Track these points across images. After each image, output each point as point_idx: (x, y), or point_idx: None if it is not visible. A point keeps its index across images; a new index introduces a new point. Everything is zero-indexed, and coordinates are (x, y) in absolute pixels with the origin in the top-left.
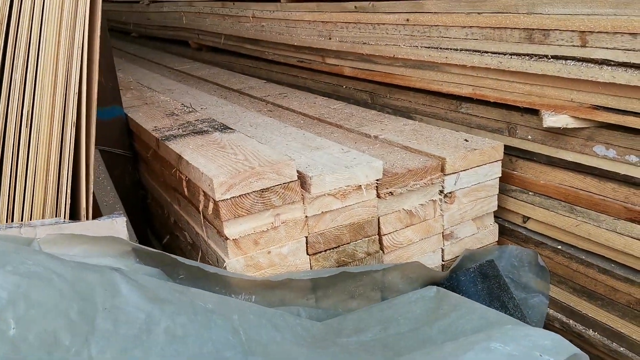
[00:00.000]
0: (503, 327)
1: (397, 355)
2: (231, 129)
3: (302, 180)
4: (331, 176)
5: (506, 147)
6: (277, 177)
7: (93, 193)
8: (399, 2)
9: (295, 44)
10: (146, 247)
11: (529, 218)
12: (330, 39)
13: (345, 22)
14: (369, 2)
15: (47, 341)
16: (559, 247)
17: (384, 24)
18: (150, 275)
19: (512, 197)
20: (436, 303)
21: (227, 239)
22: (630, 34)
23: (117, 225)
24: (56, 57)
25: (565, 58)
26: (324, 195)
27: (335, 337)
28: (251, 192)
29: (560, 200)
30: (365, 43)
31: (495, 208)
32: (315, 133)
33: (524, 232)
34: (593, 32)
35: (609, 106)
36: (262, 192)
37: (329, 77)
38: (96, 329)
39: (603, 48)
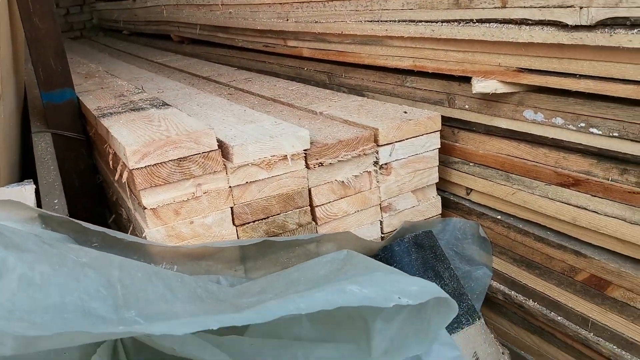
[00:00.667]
0: (372, 273)
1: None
2: (169, 105)
3: (225, 151)
4: (254, 145)
5: (447, 119)
6: (196, 146)
7: (35, 172)
8: None
9: (259, 28)
10: (53, 213)
11: (471, 190)
12: (287, 20)
13: (299, 2)
14: None
15: None
16: (499, 217)
17: (332, 0)
18: (57, 240)
19: (455, 169)
20: (341, 264)
21: (145, 208)
22: None
23: (26, 192)
24: None
25: (489, 21)
26: (248, 165)
27: (238, 298)
28: (168, 161)
29: (498, 169)
30: (317, 22)
31: (436, 180)
32: (264, 112)
33: (468, 205)
34: None
35: (532, 68)
36: (180, 161)
37: (291, 60)
38: None
39: (521, 7)
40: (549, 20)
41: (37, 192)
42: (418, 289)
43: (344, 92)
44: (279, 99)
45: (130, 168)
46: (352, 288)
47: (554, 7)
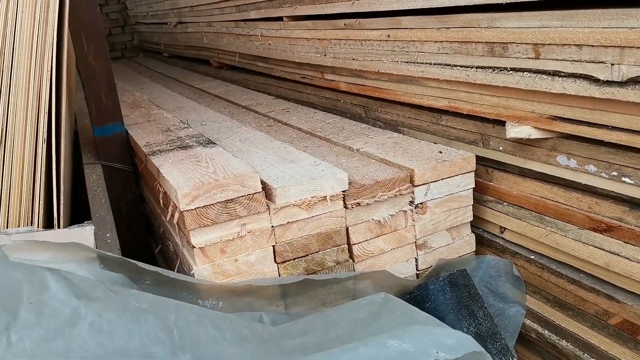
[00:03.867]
0: (412, 326)
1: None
2: (214, 143)
3: (268, 192)
4: (296, 187)
5: (482, 158)
6: (241, 189)
7: (88, 204)
8: (381, 19)
9: (297, 60)
10: (110, 254)
11: (505, 228)
12: (325, 55)
13: (337, 39)
14: (355, 20)
15: None
16: (532, 257)
17: (369, 40)
18: (113, 280)
19: (489, 207)
20: (380, 308)
21: (194, 247)
22: (575, 45)
23: (86, 234)
24: (27, 82)
25: (523, 70)
26: (290, 205)
27: (281, 339)
28: (215, 203)
29: (531, 210)
30: (354, 59)
31: (471, 218)
32: (302, 147)
33: (502, 243)
34: (544, 44)
35: (565, 116)
36: (227, 203)
37: (328, 92)
38: (18, 320)
39: (554, 60)
40: (581, 74)
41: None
42: (455, 343)
43: (379, 126)
44: (317, 133)
45: (181, 210)
46: (392, 343)
47: (586, 62)
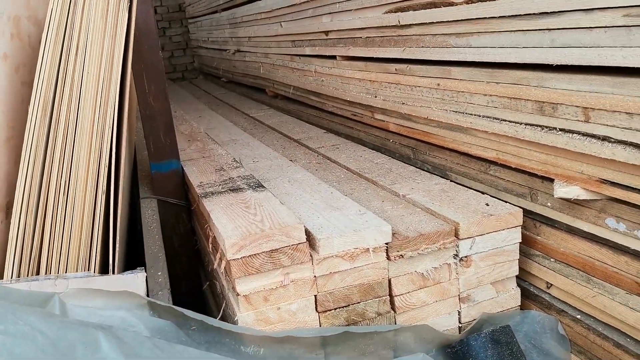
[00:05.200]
0: None
1: None
2: (263, 187)
3: (312, 242)
4: (339, 239)
5: (530, 212)
6: (286, 239)
7: (143, 241)
8: (431, 67)
9: (348, 99)
10: (158, 302)
11: (552, 284)
12: (376, 97)
13: (388, 82)
14: (406, 66)
15: None
16: (579, 316)
17: (419, 86)
18: (160, 327)
19: (536, 262)
20: None
21: (238, 294)
22: (626, 113)
23: (138, 280)
24: (90, 134)
25: (572, 132)
26: (333, 256)
27: None
28: (261, 253)
29: (579, 270)
30: (404, 103)
31: (516, 273)
32: (349, 190)
33: (548, 299)
34: (594, 108)
35: (615, 181)
36: (272, 252)
37: (377, 131)
38: None
39: (603, 125)
40: (631, 142)
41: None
42: None
43: (427, 169)
44: (364, 175)
45: (228, 259)
46: None
47: (637, 130)
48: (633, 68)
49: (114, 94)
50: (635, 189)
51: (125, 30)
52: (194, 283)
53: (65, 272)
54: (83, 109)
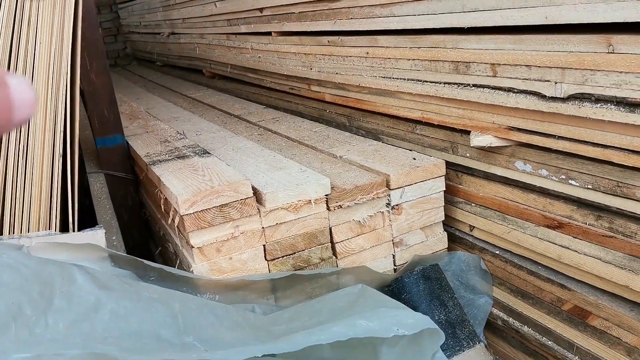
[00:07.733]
0: (378, 309)
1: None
2: (209, 153)
3: (258, 197)
4: (284, 192)
5: (452, 164)
6: (235, 195)
7: (94, 210)
8: (360, 37)
9: (285, 73)
10: (119, 253)
11: (474, 227)
12: (311, 69)
13: (322, 54)
14: (338, 37)
15: (13, 310)
16: (497, 252)
17: (350, 56)
18: (123, 276)
19: (459, 208)
20: (356, 297)
21: (192, 247)
22: (526, 65)
23: (98, 236)
24: (45, 104)
25: (483, 86)
26: (278, 209)
27: (271, 325)
28: (212, 208)
29: (496, 210)
30: (337, 73)
31: (442, 218)
32: (290, 155)
33: (471, 240)
34: (500, 64)
35: (520, 127)
36: (222, 207)
37: (315, 103)
38: (53, 305)
39: (508, 78)
40: (530, 91)
41: None
42: (414, 322)
43: (362, 134)
44: (304, 142)
45: (181, 214)
46: (361, 322)
47: (534, 80)
48: (529, 26)
49: (66, 61)
50: (537, 132)
51: (74, 3)
52: (146, 252)
53: (28, 232)
54: (38, 74)
